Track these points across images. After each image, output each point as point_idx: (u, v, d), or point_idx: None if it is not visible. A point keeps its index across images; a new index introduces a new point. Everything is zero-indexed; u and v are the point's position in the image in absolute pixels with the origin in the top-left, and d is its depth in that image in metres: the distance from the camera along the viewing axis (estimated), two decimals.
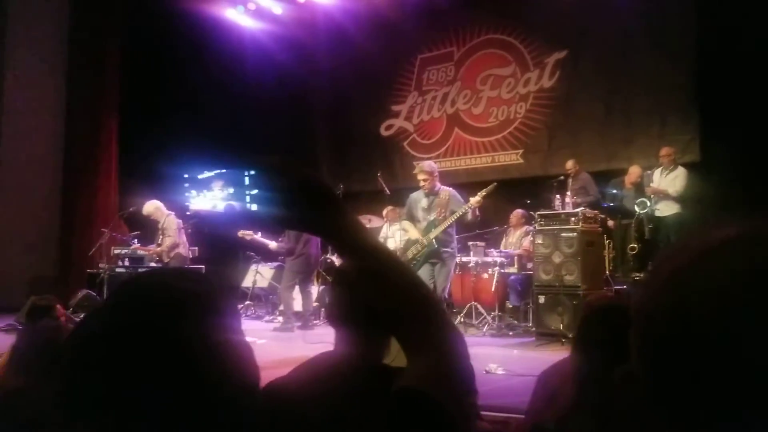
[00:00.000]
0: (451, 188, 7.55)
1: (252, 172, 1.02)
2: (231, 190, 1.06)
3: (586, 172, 9.94)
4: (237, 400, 0.90)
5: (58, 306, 4.80)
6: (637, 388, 0.68)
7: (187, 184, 1.12)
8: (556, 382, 2.65)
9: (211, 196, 1.09)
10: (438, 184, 7.49)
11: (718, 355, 0.60)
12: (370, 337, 1.76)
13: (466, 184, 11.21)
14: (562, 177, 9.48)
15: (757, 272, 0.60)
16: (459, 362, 1.04)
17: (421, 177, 7.42)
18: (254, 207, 1.03)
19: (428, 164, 7.80)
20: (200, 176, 1.11)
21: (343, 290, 1.89)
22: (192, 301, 0.92)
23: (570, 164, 9.87)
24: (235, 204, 1.05)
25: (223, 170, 1.09)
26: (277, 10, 13.18)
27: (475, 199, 7.17)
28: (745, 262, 0.62)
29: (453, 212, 7.19)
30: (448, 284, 7.24)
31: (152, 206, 9.32)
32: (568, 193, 8.78)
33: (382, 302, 1.07)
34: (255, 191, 1.02)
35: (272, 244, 9.49)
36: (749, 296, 0.59)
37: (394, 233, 10.46)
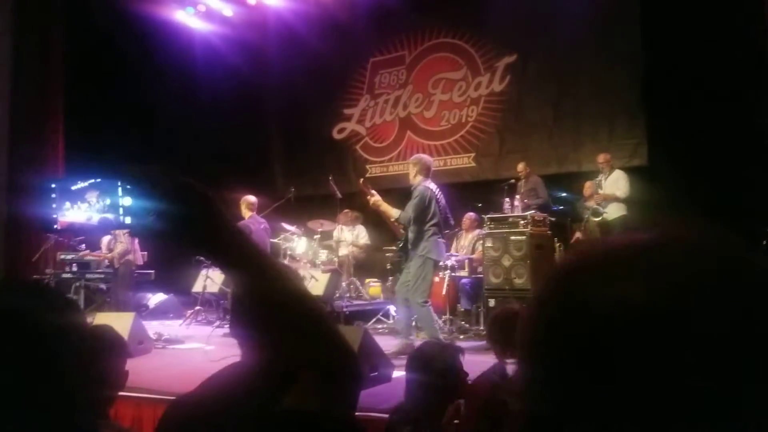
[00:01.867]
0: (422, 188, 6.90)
1: (125, 183, 0.95)
2: (107, 202, 0.99)
3: (537, 175, 10.01)
4: None
5: None
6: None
7: (54, 195, 1.04)
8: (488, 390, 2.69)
9: (86, 208, 1.02)
10: (415, 182, 6.99)
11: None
12: (270, 353, 1.70)
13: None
14: (512, 180, 9.54)
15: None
16: (344, 380, 1.00)
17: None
18: (128, 220, 0.96)
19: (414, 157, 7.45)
20: (73, 187, 1.04)
21: (240, 307, 1.82)
22: (26, 315, 0.86)
23: (521, 167, 9.93)
24: (110, 216, 0.99)
25: (98, 180, 1.02)
26: (228, 12, 13.06)
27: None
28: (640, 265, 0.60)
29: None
30: (416, 289, 6.90)
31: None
32: (518, 196, 8.83)
33: (266, 318, 1.02)
34: (129, 203, 0.95)
35: None
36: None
37: (346, 237, 10.45)
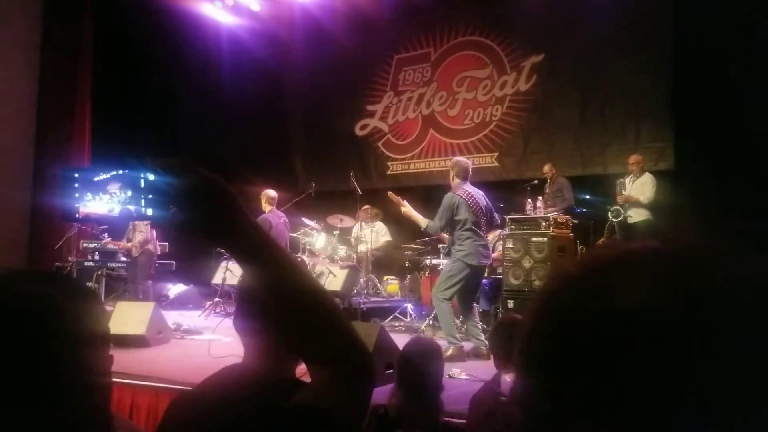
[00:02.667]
0: (449, 194, 7.00)
1: (148, 175, 0.94)
2: (129, 194, 0.98)
3: (563, 177, 9.94)
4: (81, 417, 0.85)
5: None
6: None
7: (77, 185, 1.03)
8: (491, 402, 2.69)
9: (108, 199, 1.01)
10: (453, 185, 7.04)
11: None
12: (279, 349, 1.69)
13: (440, 186, 11.19)
14: (536, 181, 9.48)
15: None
16: (357, 378, 0.99)
17: None
18: (149, 212, 0.95)
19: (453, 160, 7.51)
20: (96, 178, 1.03)
21: (249, 302, 1.82)
22: (37, 305, 0.86)
23: (547, 168, 9.87)
24: (132, 208, 0.98)
25: (120, 172, 1.01)
26: (255, 6, 13.07)
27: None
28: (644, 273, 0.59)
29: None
30: (441, 285, 6.88)
31: None
32: (540, 198, 8.77)
33: (283, 316, 1.01)
34: (150, 195, 0.94)
35: None
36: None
37: (365, 234, 10.44)
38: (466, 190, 6.88)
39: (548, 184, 9.68)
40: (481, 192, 7.04)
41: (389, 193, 7.49)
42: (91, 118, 12.20)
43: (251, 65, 13.40)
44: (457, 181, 6.97)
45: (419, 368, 3.12)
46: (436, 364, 3.20)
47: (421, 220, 7.02)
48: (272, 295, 0.99)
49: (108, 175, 1.01)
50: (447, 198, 6.86)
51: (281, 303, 0.99)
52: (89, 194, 1.02)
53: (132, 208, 0.98)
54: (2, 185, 11.45)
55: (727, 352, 0.53)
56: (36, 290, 0.89)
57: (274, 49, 13.51)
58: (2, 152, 11.49)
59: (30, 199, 11.86)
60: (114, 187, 1.01)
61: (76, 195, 1.02)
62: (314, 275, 9.55)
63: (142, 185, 0.95)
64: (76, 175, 1.04)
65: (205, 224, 0.93)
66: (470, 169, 7.14)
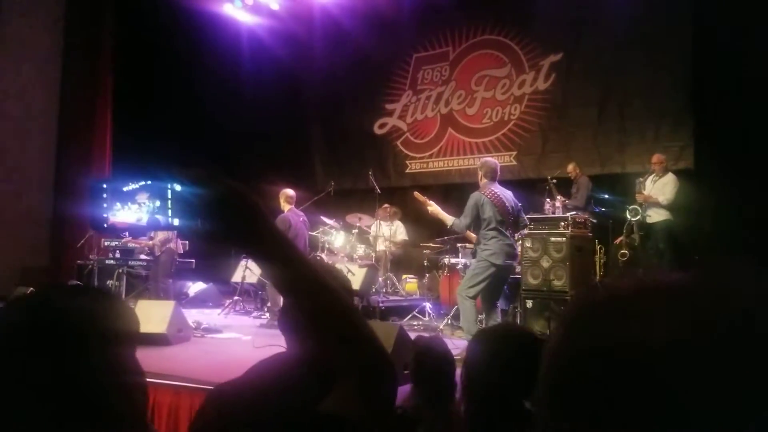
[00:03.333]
0: (475, 193, 7.01)
1: (175, 185, 0.98)
2: (157, 203, 1.02)
3: (586, 176, 9.91)
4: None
5: None
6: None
7: (105, 195, 1.07)
8: None
9: (136, 209, 1.05)
10: (481, 185, 7.06)
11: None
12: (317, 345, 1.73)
13: (459, 185, 11.24)
14: (554, 180, 9.45)
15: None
16: (380, 384, 1.01)
17: None
18: (176, 222, 0.99)
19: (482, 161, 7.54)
20: (125, 188, 1.06)
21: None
22: (77, 320, 0.89)
23: (571, 167, 9.85)
24: (160, 218, 1.01)
25: (148, 182, 1.04)
26: (274, 5, 13.14)
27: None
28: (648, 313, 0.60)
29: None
30: (466, 283, 6.95)
31: None
32: (559, 197, 8.75)
33: (307, 321, 1.04)
34: (177, 204, 0.97)
35: None
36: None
37: (384, 232, 10.47)
38: (493, 190, 6.89)
39: (574, 183, 9.70)
40: (509, 192, 7.07)
41: (415, 192, 7.51)
42: (113, 119, 12.33)
43: (270, 64, 13.47)
44: (485, 181, 7.01)
45: (432, 368, 3.13)
46: (448, 363, 3.21)
47: (447, 219, 7.06)
48: (295, 299, 1.02)
49: (137, 185, 1.05)
50: (473, 197, 6.90)
51: (304, 307, 1.02)
52: (118, 204, 1.06)
53: (159, 217, 1.01)
54: (26, 185, 11.61)
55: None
56: (73, 303, 0.92)
57: (293, 48, 13.56)
58: (26, 152, 11.64)
59: (52, 199, 12.02)
60: (143, 197, 1.04)
61: (105, 205, 1.06)
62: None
63: (169, 195, 0.98)
64: (105, 186, 1.07)
65: (231, 233, 0.96)
66: (498, 170, 7.18)
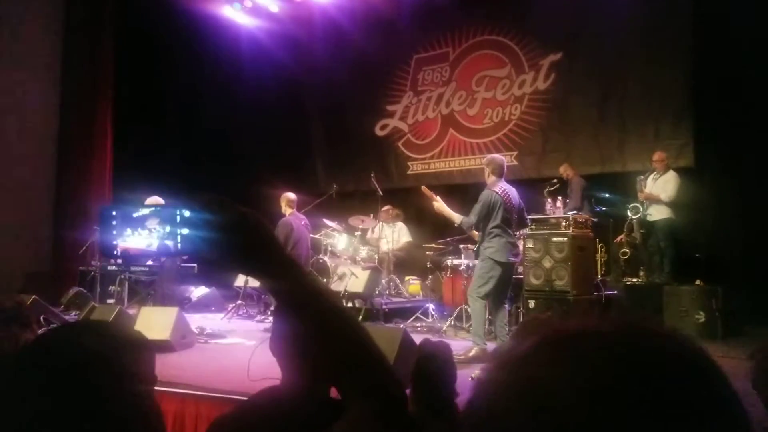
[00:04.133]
0: (486, 191, 6.93)
1: (185, 211, 0.99)
2: (167, 229, 1.03)
3: (579, 177, 9.93)
4: None
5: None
6: None
7: (115, 222, 1.08)
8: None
9: (146, 234, 1.06)
10: (489, 182, 6.99)
11: None
12: (316, 371, 1.73)
13: (461, 186, 11.26)
14: (555, 180, 9.45)
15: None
16: (392, 414, 1.02)
17: None
18: (187, 247, 1.00)
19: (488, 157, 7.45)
20: (135, 214, 1.08)
21: (285, 323, 1.85)
22: (94, 359, 0.90)
23: (562, 169, 9.90)
24: (170, 243, 1.02)
25: (158, 208, 1.05)
26: (274, 8, 13.15)
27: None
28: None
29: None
30: (476, 283, 6.88)
31: (155, 203, 9.23)
32: (560, 198, 8.77)
33: (320, 348, 1.05)
34: (187, 230, 0.98)
35: None
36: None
37: (386, 234, 10.48)
38: (503, 188, 6.84)
39: (570, 184, 9.71)
40: (515, 190, 7.01)
41: (423, 187, 7.45)
42: (113, 123, 12.34)
43: (271, 67, 13.47)
44: (493, 178, 6.93)
45: (432, 379, 3.13)
46: (447, 372, 3.20)
47: (455, 216, 6.99)
48: (305, 323, 1.02)
49: (147, 211, 1.06)
50: (485, 195, 6.81)
51: (314, 332, 1.03)
52: (129, 230, 1.07)
53: (170, 243, 1.02)
54: (28, 191, 11.63)
55: None
56: (89, 343, 0.94)
57: (293, 50, 13.58)
58: (28, 158, 11.66)
59: (53, 205, 12.04)
60: (153, 223, 1.05)
61: (114, 232, 1.07)
62: (337, 277, 9.61)
63: (179, 221, 0.99)
64: (114, 213, 1.08)
65: (241, 258, 0.97)
66: (506, 166, 7.12)
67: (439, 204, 7.08)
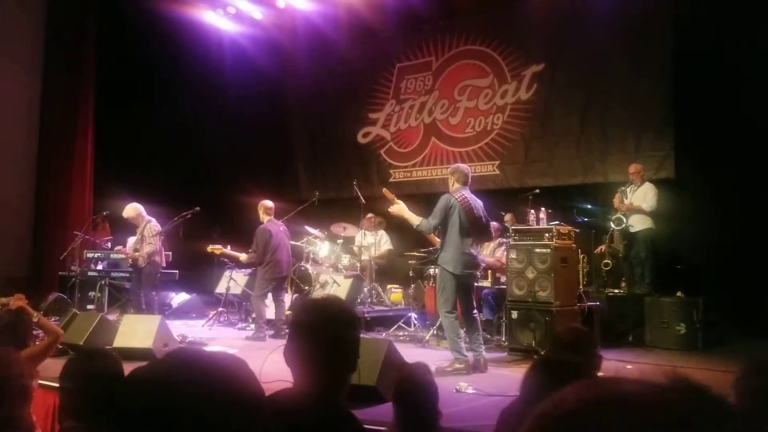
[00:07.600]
0: (445, 195, 6.91)
1: None
2: None
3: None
4: None
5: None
6: None
7: None
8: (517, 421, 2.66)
9: None
10: (452, 190, 6.95)
11: None
12: (327, 378, 1.77)
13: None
14: (537, 190, 9.47)
15: None
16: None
17: None
18: None
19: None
20: None
21: (299, 332, 1.89)
22: None
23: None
24: None
25: None
26: (257, 14, 13.10)
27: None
28: None
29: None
30: (439, 299, 6.84)
31: (133, 210, 9.14)
32: (542, 208, 8.78)
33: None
34: None
35: (243, 256, 9.34)
36: None
37: (369, 243, 10.47)
38: (463, 195, 6.79)
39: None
40: (480, 202, 6.95)
41: (384, 189, 7.40)
42: (94, 127, 12.26)
43: (253, 74, 13.42)
44: (457, 185, 6.89)
45: (414, 398, 3.15)
46: (430, 394, 3.21)
47: (414, 218, 6.90)
48: None
49: None
50: (443, 199, 6.78)
51: None
52: None
53: None
54: (6, 195, 11.50)
55: None
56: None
57: (276, 57, 13.55)
58: (7, 162, 11.53)
59: (32, 210, 11.93)
60: None
61: None
62: (319, 285, 9.59)
63: None
64: None
65: None
66: (470, 176, 7.08)
67: (399, 206, 7.00)
